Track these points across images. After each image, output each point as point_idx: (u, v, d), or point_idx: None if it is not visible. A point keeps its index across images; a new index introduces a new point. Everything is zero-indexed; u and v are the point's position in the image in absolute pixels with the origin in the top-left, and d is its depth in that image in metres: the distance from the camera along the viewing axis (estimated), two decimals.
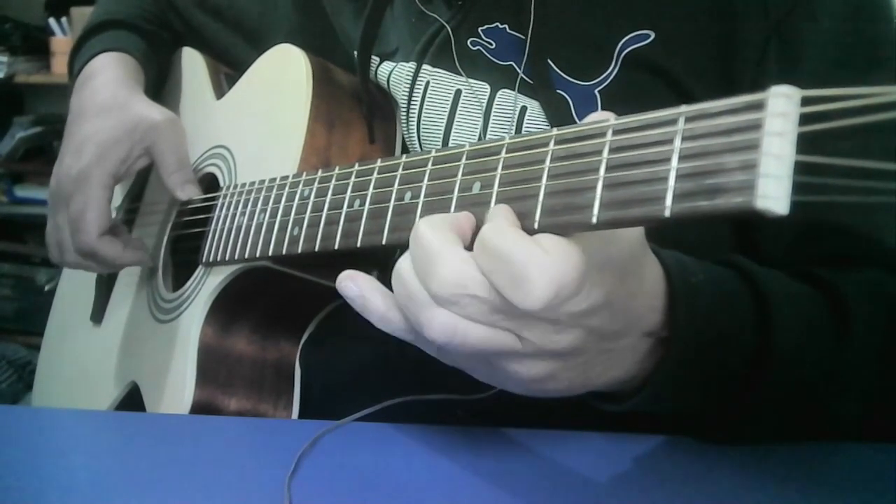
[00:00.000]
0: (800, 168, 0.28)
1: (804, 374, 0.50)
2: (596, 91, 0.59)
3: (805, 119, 0.28)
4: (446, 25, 0.66)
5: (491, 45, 0.64)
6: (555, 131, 0.37)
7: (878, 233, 0.54)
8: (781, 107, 0.28)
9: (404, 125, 0.69)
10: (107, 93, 0.78)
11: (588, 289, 0.37)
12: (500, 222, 0.38)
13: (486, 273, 0.37)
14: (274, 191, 0.60)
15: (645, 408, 0.48)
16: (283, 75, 0.70)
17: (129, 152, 0.74)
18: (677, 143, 0.31)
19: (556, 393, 0.43)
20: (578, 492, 0.50)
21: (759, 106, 0.29)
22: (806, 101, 0.28)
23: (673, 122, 0.32)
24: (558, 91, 0.60)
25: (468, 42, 0.64)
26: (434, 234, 0.38)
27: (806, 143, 0.28)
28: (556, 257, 0.35)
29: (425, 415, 0.56)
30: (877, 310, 0.52)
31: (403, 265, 0.39)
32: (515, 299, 0.35)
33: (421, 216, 0.44)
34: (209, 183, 0.75)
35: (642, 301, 0.43)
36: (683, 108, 0.32)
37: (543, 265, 0.35)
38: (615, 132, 0.34)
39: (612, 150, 0.34)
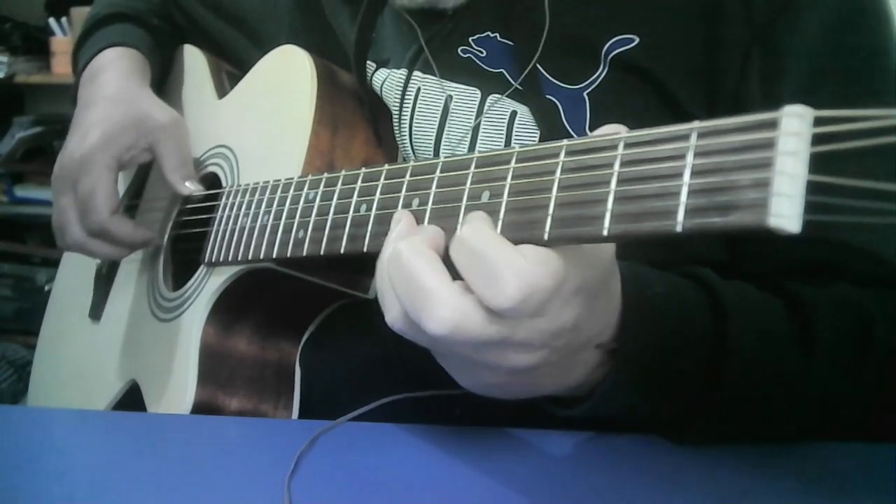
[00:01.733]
0: (811, 187, 0.28)
1: (761, 383, 0.51)
2: (585, 94, 0.59)
3: (817, 139, 0.28)
4: (426, 38, 0.66)
5: (482, 53, 0.64)
6: (565, 142, 0.38)
7: (880, 251, 0.54)
8: (795, 126, 0.28)
9: (397, 132, 0.69)
10: (115, 87, 0.79)
11: (559, 309, 0.39)
12: (479, 224, 0.39)
13: (461, 269, 0.39)
14: (279, 192, 0.60)
15: (593, 415, 0.49)
16: (287, 76, 0.70)
17: (135, 142, 0.75)
18: (689, 158, 0.31)
19: (502, 396, 0.46)
20: (578, 491, 0.50)
21: (772, 125, 0.29)
22: (819, 122, 0.28)
23: (685, 137, 0.32)
24: (547, 96, 0.60)
25: (459, 50, 0.65)
26: (423, 264, 0.40)
27: (816, 162, 0.29)
28: (533, 262, 0.37)
29: (424, 414, 0.57)
30: (843, 323, 0.52)
31: (405, 250, 0.41)
32: (487, 296, 0.37)
33: (429, 223, 0.44)
34: (211, 183, 0.75)
35: (603, 319, 0.45)
36: (696, 124, 0.32)
37: (518, 266, 0.37)
38: (627, 145, 0.34)
39: (623, 164, 0.34)
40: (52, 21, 2.28)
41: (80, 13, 2.14)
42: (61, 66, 2.23)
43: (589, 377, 0.47)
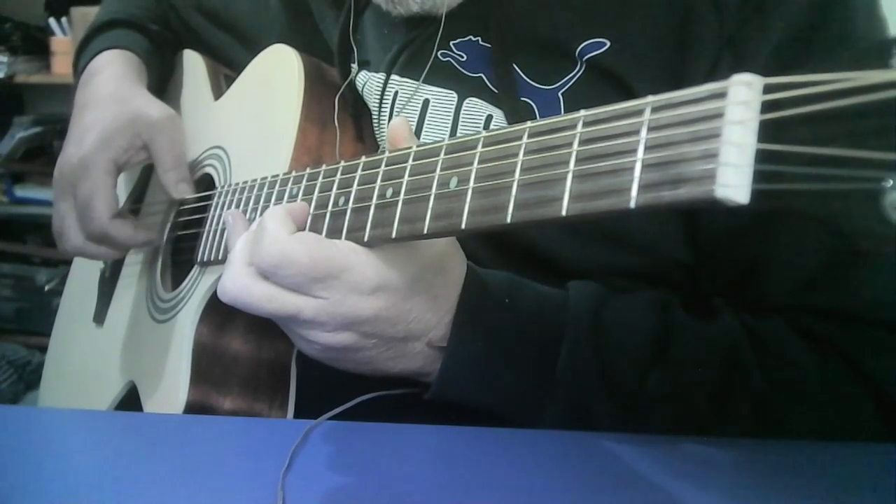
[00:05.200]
0: (762, 156, 0.28)
1: (600, 388, 0.54)
2: (559, 94, 0.59)
3: (768, 107, 0.28)
4: (406, 42, 0.66)
5: (462, 57, 0.64)
6: (528, 124, 0.37)
7: (836, 220, 0.54)
8: (743, 95, 0.28)
9: (377, 134, 0.69)
10: (110, 87, 0.80)
11: (349, 298, 0.47)
12: (275, 209, 0.50)
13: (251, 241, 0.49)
14: (265, 189, 0.60)
15: (442, 400, 0.54)
16: (276, 75, 0.71)
17: (131, 142, 0.76)
18: (643, 133, 0.31)
19: (347, 368, 0.53)
20: (576, 491, 0.49)
21: (721, 95, 0.28)
22: (768, 89, 0.28)
23: (640, 112, 0.32)
24: (523, 98, 0.60)
25: (439, 54, 0.65)
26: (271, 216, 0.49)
27: (770, 130, 0.28)
28: (297, 240, 0.46)
29: (417, 411, 0.57)
30: (708, 350, 0.55)
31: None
32: (253, 256, 0.48)
33: (401, 212, 0.44)
34: (207, 184, 0.75)
35: (426, 318, 0.51)
36: (650, 99, 0.32)
37: (277, 236, 0.47)
38: (585, 123, 0.34)
39: (581, 142, 0.34)
40: (52, 21, 2.26)
41: (80, 13, 2.14)
42: (61, 66, 2.22)
43: (433, 367, 0.53)
